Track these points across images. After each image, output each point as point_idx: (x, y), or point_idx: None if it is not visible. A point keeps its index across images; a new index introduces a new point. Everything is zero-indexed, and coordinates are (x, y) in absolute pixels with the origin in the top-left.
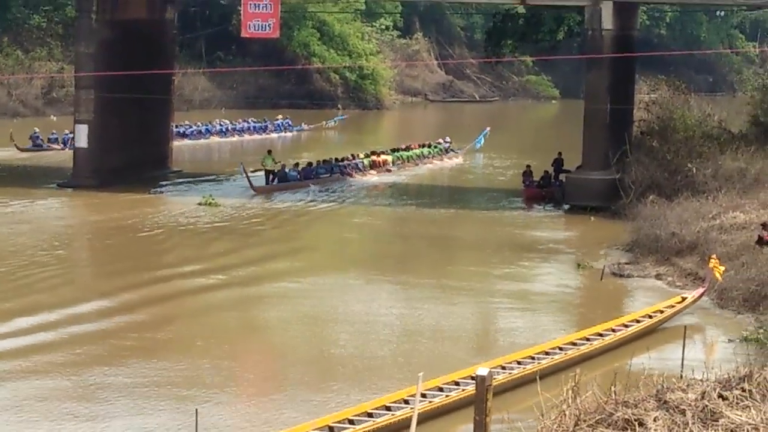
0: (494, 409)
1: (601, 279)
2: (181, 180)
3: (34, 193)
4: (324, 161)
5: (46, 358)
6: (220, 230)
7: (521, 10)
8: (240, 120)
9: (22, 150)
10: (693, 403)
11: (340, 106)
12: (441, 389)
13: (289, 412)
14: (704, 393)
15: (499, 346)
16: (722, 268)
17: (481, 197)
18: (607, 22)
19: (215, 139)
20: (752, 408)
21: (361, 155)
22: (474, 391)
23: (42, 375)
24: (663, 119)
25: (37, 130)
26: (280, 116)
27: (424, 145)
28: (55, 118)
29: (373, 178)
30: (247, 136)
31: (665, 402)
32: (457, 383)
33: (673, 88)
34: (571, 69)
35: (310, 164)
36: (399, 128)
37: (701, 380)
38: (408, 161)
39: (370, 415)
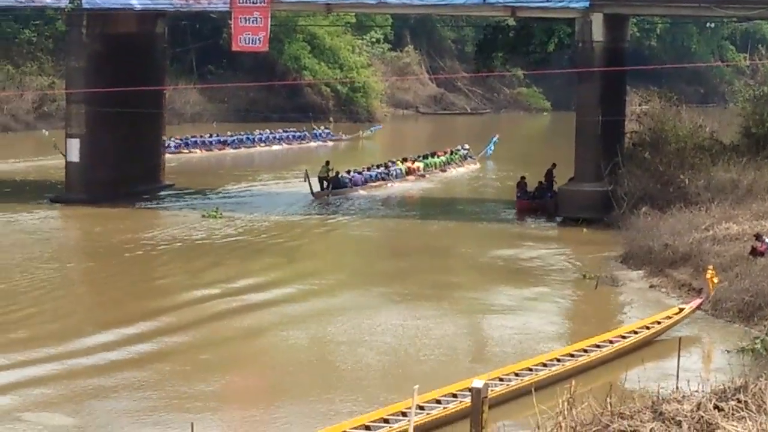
0: (490, 420)
1: (596, 288)
2: (177, 193)
3: (32, 207)
4: (368, 168)
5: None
6: (230, 244)
7: (512, 22)
8: (280, 129)
9: None
10: (689, 415)
11: (331, 119)
12: (438, 401)
13: (285, 426)
14: (700, 404)
15: (497, 358)
16: (716, 280)
17: (476, 208)
18: (598, 34)
19: (258, 147)
20: (748, 419)
21: (399, 162)
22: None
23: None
24: (655, 131)
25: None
26: (323, 126)
27: (446, 152)
28: (47, 133)
29: (408, 184)
30: (285, 145)
31: (661, 413)
32: (454, 395)
33: (665, 99)
34: (563, 81)
35: (359, 171)
36: (395, 140)
37: (697, 391)
38: (435, 167)
39: (367, 427)
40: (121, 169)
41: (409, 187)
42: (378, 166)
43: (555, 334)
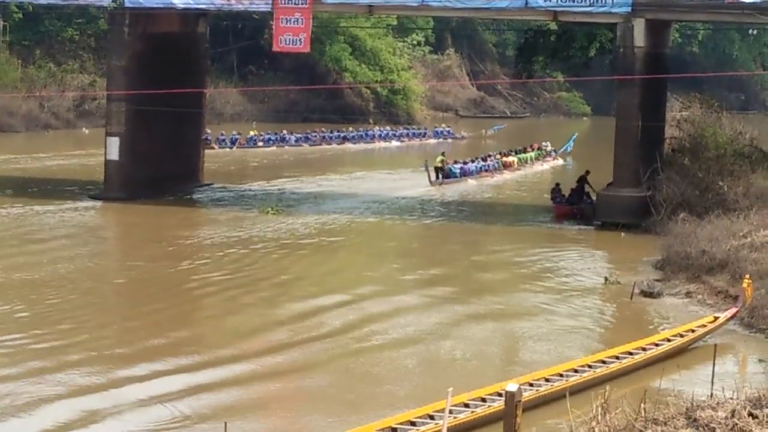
0: (522, 425)
1: (632, 298)
2: (220, 191)
3: (77, 204)
4: (472, 161)
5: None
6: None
7: (553, 26)
8: (401, 127)
9: None
10: (723, 422)
11: (371, 120)
12: (467, 405)
13: (312, 427)
14: (734, 411)
15: (526, 363)
16: (750, 290)
17: (519, 210)
18: (639, 39)
19: (379, 143)
20: None
21: (498, 156)
22: (502, 407)
23: None
24: (694, 137)
25: (209, 131)
26: (443, 124)
27: (534, 149)
28: (87, 131)
29: (503, 176)
30: (406, 141)
31: (695, 420)
32: (483, 399)
33: (705, 106)
34: (603, 86)
35: (465, 162)
36: (514, 138)
37: (731, 399)
38: (527, 162)
39: (394, 430)
40: (160, 167)
41: (509, 178)
42: (483, 159)
43: (588, 340)
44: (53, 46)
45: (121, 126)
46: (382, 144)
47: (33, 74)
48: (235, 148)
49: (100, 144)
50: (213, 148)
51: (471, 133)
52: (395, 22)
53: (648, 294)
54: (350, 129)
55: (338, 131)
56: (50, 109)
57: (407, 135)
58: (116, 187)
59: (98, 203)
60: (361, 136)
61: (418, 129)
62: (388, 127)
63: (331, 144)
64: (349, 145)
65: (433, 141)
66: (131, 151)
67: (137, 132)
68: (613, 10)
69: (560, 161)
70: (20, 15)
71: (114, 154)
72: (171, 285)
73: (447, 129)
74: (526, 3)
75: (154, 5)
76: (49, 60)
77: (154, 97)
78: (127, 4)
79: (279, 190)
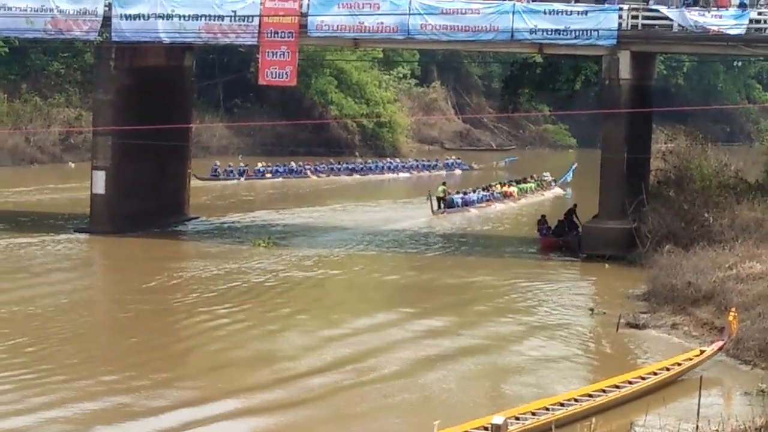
0: None
1: (617, 330)
2: (208, 224)
3: (65, 238)
4: (473, 191)
5: None
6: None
7: (539, 59)
8: (410, 159)
9: (201, 179)
10: None
11: (357, 153)
12: None
13: None
14: None
15: (512, 397)
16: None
17: (505, 243)
18: (625, 71)
19: (389, 175)
20: None
21: (498, 187)
22: None
23: None
24: (680, 169)
25: (218, 163)
26: (453, 156)
27: (534, 179)
28: (73, 165)
29: (504, 206)
30: (416, 173)
31: None
32: None
33: (691, 138)
34: (588, 118)
35: (466, 192)
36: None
37: (717, 431)
38: (527, 192)
39: None
40: (146, 201)
41: (509, 208)
42: (484, 189)
43: (574, 373)
44: (39, 80)
45: (107, 160)
46: (391, 176)
47: (19, 108)
48: (243, 179)
49: (85, 178)
50: (241, 178)
51: (482, 165)
52: (381, 55)
53: (634, 326)
54: (358, 161)
55: (347, 163)
56: (36, 144)
57: (417, 167)
58: (102, 220)
59: (85, 236)
60: (370, 167)
61: (428, 161)
62: (398, 159)
63: (339, 175)
64: (356, 176)
65: (443, 173)
66: (117, 184)
67: (123, 166)
68: (599, 43)
69: (560, 191)
70: (6, 49)
71: (100, 187)
72: (175, 320)
73: (458, 160)
74: (512, 35)
75: (141, 39)
76: (35, 94)
77: (140, 131)
78: (114, 38)
79: (274, 222)
